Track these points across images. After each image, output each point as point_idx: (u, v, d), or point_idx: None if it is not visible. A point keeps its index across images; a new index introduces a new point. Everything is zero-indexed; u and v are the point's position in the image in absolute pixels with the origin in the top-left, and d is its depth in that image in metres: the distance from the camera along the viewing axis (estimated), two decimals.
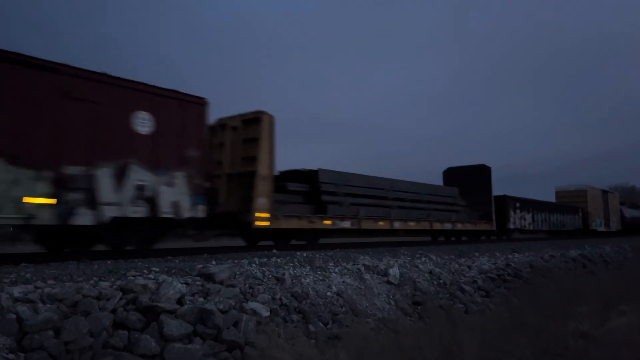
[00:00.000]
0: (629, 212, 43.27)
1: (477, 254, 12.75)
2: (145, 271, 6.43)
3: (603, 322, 7.05)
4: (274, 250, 10.49)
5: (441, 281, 9.36)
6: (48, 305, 4.69)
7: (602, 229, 37.19)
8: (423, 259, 10.45)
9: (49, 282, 5.36)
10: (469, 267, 10.86)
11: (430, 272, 9.56)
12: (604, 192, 39.14)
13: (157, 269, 6.64)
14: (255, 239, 13.46)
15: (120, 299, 5.14)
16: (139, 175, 9.19)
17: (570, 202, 35.35)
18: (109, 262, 7.68)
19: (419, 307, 7.98)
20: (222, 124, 13.14)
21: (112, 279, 5.73)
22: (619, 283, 11.31)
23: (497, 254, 13.18)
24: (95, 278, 5.74)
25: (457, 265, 10.69)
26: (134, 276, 5.92)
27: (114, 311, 4.97)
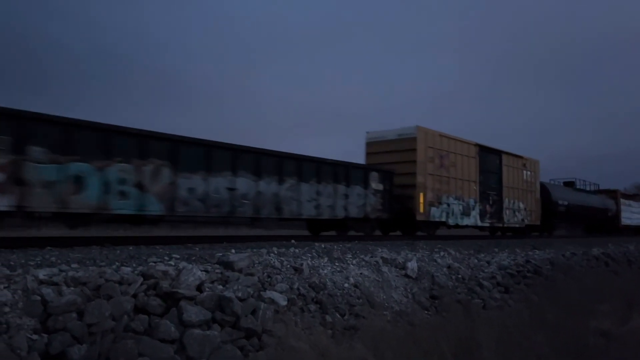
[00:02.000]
0: (562, 196, 26.06)
1: (496, 249, 12.62)
2: (166, 257, 6.53)
3: (625, 322, 6.92)
4: (293, 241, 10.54)
5: (459, 276, 9.30)
6: (72, 288, 4.80)
7: (468, 222, 18.49)
8: (442, 253, 10.39)
9: (73, 265, 5.48)
10: (488, 262, 10.77)
11: (449, 267, 9.50)
12: (487, 151, 19.73)
13: (178, 256, 6.74)
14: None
15: (141, 284, 5.24)
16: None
17: (388, 162, 16.78)
18: (131, 247, 7.81)
19: (436, 301, 7.95)
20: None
21: (134, 265, 5.83)
22: None
23: (517, 250, 13.04)
24: (117, 263, 5.85)
25: (476, 261, 10.61)
26: (154, 262, 6.02)
27: (135, 296, 5.07)
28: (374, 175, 14.94)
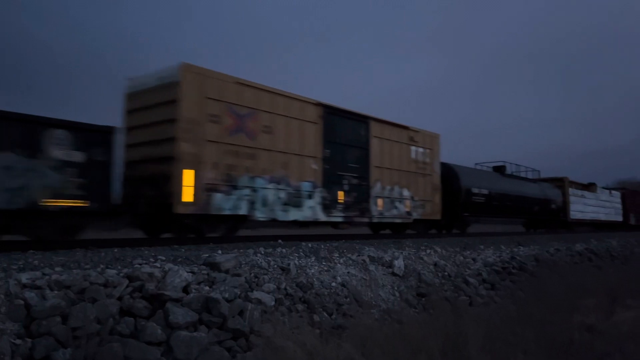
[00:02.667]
0: (479, 182, 19.71)
1: (482, 246, 12.73)
2: (152, 259, 6.47)
3: (609, 316, 7.03)
4: (279, 241, 10.51)
5: (446, 273, 9.36)
6: (56, 292, 4.74)
7: (299, 216, 12.05)
8: (428, 251, 10.44)
9: (57, 269, 5.40)
10: (474, 259, 10.86)
11: (435, 264, 9.56)
12: (342, 115, 13.52)
13: (164, 258, 6.68)
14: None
15: (127, 286, 5.19)
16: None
17: (150, 124, 10.81)
18: (116, 250, 7.72)
19: (423, 299, 7.99)
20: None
21: (119, 267, 5.77)
22: (625, 277, 11.27)
23: (502, 247, 13.16)
24: (102, 266, 5.78)
25: (462, 258, 10.69)
26: (140, 264, 5.96)
27: (120, 298, 5.02)
28: (59, 135, 8.21)
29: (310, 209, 12.07)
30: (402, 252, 9.58)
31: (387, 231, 16.28)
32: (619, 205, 37.24)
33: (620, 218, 36.71)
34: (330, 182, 12.68)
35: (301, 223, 12.22)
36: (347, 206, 13.16)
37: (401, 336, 5.11)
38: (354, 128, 13.72)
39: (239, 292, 5.74)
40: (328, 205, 12.55)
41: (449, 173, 18.17)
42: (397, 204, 14.97)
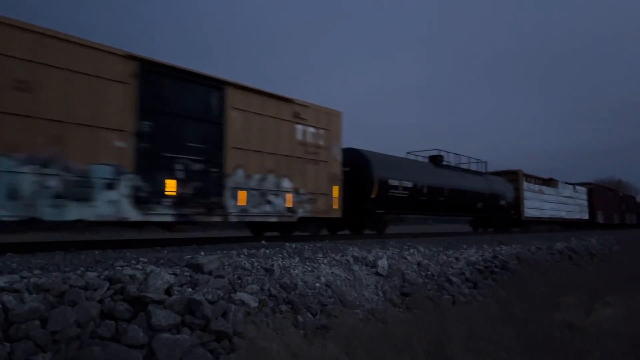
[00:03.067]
0: (399, 174, 16.66)
1: (465, 246, 12.83)
2: (133, 261, 6.39)
3: (589, 313, 7.14)
4: (263, 242, 10.47)
5: (429, 273, 9.41)
6: (34, 295, 4.64)
7: (83, 214, 8.08)
8: (411, 250, 10.49)
9: (35, 271, 5.30)
10: (456, 258, 10.93)
11: (419, 264, 9.60)
12: (176, 76, 9.77)
13: (145, 260, 6.60)
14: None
15: (108, 289, 5.11)
16: None
17: None
18: (97, 252, 7.62)
19: (407, 298, 8.02)
20: None
21: (100, 269, 5.68)
22: (604, 275, 11.47)
23: (485, 246, 13.29)
24: (82, 268, 5.69)
25: (445, 257, 10.76)
26: (121, 266, 5.87)
27: (101, 301, 4.94)
28: None
29: (111, 205, 8.43)
30: (385, 252, 9.61)
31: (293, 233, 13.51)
32: (585, 203, 34.58)
33: (586, 216, 34.34)
34: (150, 166, 9.10)
35: (102, 224, 8.85)
36: (182, 200, 9.58)
37: (385, 336, 5.13)
38: (198, 95, 10.19)
39: (222, 294, 5.69)
40: (145, 199, 8.94)
41: (358, 161, 15.12)
42: (271, 198, 11.31)
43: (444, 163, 20.30)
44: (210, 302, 5.41)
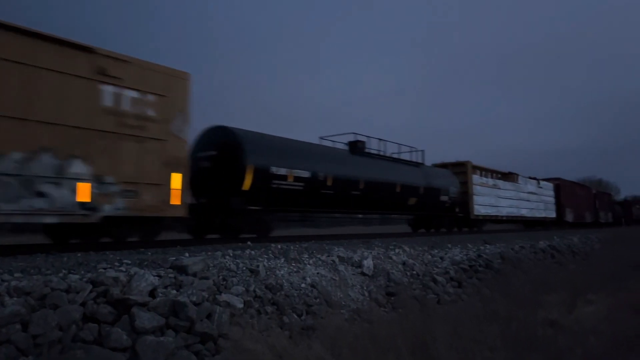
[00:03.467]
0: (291, 161, 13.06)
1: (449, 245, 12.93)
2: (117, 263, 6.32)
3: (571, 311, 7.23)
4: (249, 243, 10.43)
5: (414, 272, 9.46)
6: (15, 299, 4.57)
7: None
8: (397, 250, 10.54)
9: (16, 274, 5.22)
10: (441, 258, 11.01)
11: (404, 263, 9.65)
12: None
13: (129, 261, 6.54)
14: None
15: (91, 291, 5.05)
16: None
17: None
18: (79, 254, 7.52)
19: (392, 298, 8.05)
20: None
21: (82, 272, 5.61)
22: (586, 273, 11.63)
23: (469, 246, 13.40)
24: (64, 271, 5.61)
25: (430, 257, 10.82)
26: (104, 269, 5.81)
27: (83, 304, 4.88)
28: None
29: None
30: (371, 252, 9.63)
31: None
32: (552, 200, 31.55)
33: (553, 214, 31.42)
34: None
35: None
36: None
37: (370, 336, 5.13)
38: None
39: (206, 295, 5.66)
40: None
41: (227, 142, 11.96)
42: (46, 188, 7.85)
43: (366, 150, 16.64)
44: (195, 304, 5.37)
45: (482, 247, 13.51)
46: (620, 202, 60.54)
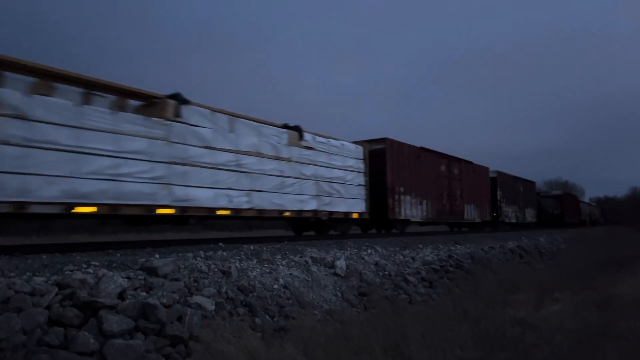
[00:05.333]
0: None
1: (421, 245, 13.06)
2: (84, 265, 6.16)
3: (538, 309, 7.39)
4: (220, 244, 10.33)
5: (386, 272, 9.52)
6: None
7: None
8: (369, 250, 10.59)
9: None
10: (413, 258, 11.11)
11: (376, 264, 9.70)
12: None
13: (97, 263, 6.38)
14: None
15: (56, 294, 4.91)
16: None
17: None
18: (44, 256, 7.31)
19: (364, 298, 8.08)
20: None
21: (48, 274, 5.45)
22: (552, 272, 11.92)
23: (440, 246, 13.57)
24: (28, 273, 5.44)
25: (401, 257, 10.91)
26: (71, 271, 5.66)
27: (49, 307, 4.74)
28: None
29: None
30: (344, 253, 9.66)
31: None
32: (361, 179, 14.98)
33: (362, 208, 14.94)
34: None
35: None
36: None
37: (343, 336, 5.15)
38: None
39: (177, 297, 5.57)
40: None
41: None
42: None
43: None
44: (166, 306, 5.28)
45: (452, 248, 13.70)
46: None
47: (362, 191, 15.37)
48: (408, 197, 17.96)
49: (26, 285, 4.81)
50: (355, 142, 15.62)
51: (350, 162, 14.92)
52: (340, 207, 14.24)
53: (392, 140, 17.42)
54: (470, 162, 23.89)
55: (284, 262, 8.01)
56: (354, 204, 14.94)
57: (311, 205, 13.06)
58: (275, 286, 7.03)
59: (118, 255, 7.61)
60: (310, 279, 7.79)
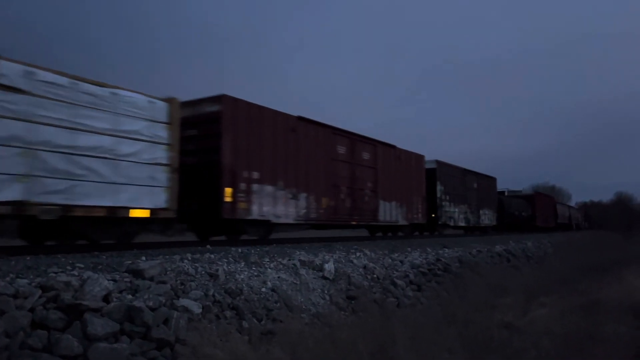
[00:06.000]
0: None
1: (409, 249, 13.08)
2: (69, 267, 6.08)
3: (525, 313, 7.42)
4: (208, 246, 10.25)
5: (375, 276, 9.51)
6: None
7: None
8: (358, 254, 10.58)
9: None
10: (401, 261, 11.12)
11: (365, 267, 9.69)
12: None
13: (82, 265, 6.30)
14: None
15: (40, 297, 4.84)
16: None
17: None
18: (28, 258, 7.20)
19: (353, 302, 8.06)
20: None
21: (31, 276, 5.36)
22: (539, 276, 11.99)
23: (429, 249, 13.60)
24: (11, 275, 5.35)
25: (390, 260, 10.92)
26: (55, 273, 5.57)
27: (32, 310, 4.67)
28: None
29: None
30: (332, 256, 9.63)
31: None
32: (161, 156, 9.33)
33: (162, 203, 9.30)
34: None
35: None
36: None
37: (331, 340, 5.12)
38: None
39: (164, 300, 5.51)
40: None
41: None
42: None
43: None
44: (152, 309, 5.22)
45: (440, 251, 13.73)
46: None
47: (160, 174, 9.43)
48: (269, 188, 12.26)
49: (9, 288, 4.74)
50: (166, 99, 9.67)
51: (137, 126, 9.04)
52: (100, 198, 8.38)
53: (235, 100, 11.58)
54: (392, 146, 18.12)
55: (272, 265, 7.97)
56: (141, 195, 9.06)
57: (10, 192, 7.25)
58: (263, 289, 6.99)
59: (104, 257, 7.52)
60: (298, 282, 7.75)
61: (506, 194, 37.28)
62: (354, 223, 16.10)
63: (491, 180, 29.75)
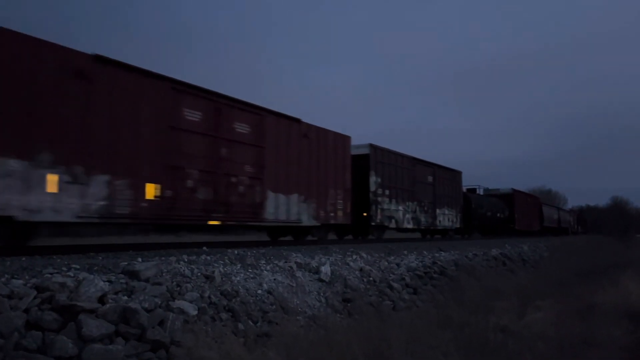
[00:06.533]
0: None
1: (405, 252, 13.09)
2: (64, 268, 6.06)
3: (521, 317, 7.43)
4: (204, 248, 10.23)
5: (371, 278, 9.51)
6: None
7: None
8: (354, 256, 10.58)
9: None
10: (397, 264, 11.12)
11: (361, 270, 9.69)
12: None
13: (78, 266, 6.28)
14: None
15: (35, 297, 4.82)
16: None
17: None
18: (24, 258, 7.17)
19: (349, 304, 8.06)
20: None
21: (27, 277, 5.34)
22: (535, 280, 12.02)
23: (425, 252, 13.61)
24: (7, 275, 5.33)
25: (386, 263, 10.92)
26: (51, 274, 5.55)
27: (27, 311, 4.64)
28: None
29: None
30: (329, 258, 9.63)
31: None
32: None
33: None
34: None
35: None
36: None
37: (326, 342, 5.12)
38: None
39: (159, 302, 5.50)
40: None
41: None
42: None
43: None
44: (147, 311, 5.21)
45: (437, 255, 13.75)
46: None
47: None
48: (21, 165, 7.50)
49: (4, 288, 4.72)
50: None
51: None
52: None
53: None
54: (294, 119, 13.48)
55: (268, 267, 7.96)
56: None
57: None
58: (259, 291, 6.98)
59: (100, 258, 7.51)
60: (294, 285, 7.74)
61: (480, 192, 32.38)
62: (215, 223, 11.23)
63: (454, 173, 24.33)
